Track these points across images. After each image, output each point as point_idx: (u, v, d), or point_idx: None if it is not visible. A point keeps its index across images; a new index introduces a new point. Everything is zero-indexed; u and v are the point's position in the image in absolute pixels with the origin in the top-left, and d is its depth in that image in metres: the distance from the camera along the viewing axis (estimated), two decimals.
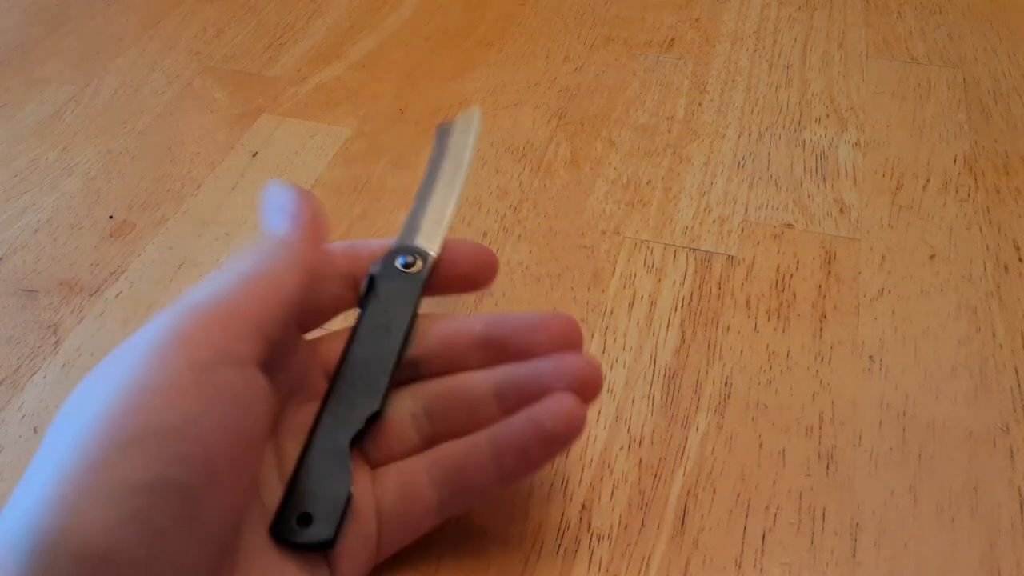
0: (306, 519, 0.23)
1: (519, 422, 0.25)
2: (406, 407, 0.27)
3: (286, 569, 0.23)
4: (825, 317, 0.35)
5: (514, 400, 0.26)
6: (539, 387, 0.25)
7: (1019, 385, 0.32)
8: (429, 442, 0.27)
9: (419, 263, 0.28)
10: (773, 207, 0.40)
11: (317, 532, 0.23)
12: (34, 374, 0.34)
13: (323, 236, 0.26)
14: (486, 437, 0.25)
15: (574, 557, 0.28)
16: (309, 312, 0.27)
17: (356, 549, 0.25)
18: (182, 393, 0.18)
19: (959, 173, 0.42)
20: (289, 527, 0.23)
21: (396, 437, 0.26)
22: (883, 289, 0.36)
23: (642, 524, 0.28)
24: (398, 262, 0.28)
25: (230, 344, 0.19)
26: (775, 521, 0.28)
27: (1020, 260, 0.37)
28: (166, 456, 0.18)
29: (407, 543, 0.26)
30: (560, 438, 0.24)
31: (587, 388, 0.25)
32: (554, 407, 0.25)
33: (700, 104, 0.47)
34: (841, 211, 0.40)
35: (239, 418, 0.19)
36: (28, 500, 0.18)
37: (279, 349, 0.23)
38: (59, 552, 0.17)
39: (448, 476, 0.25)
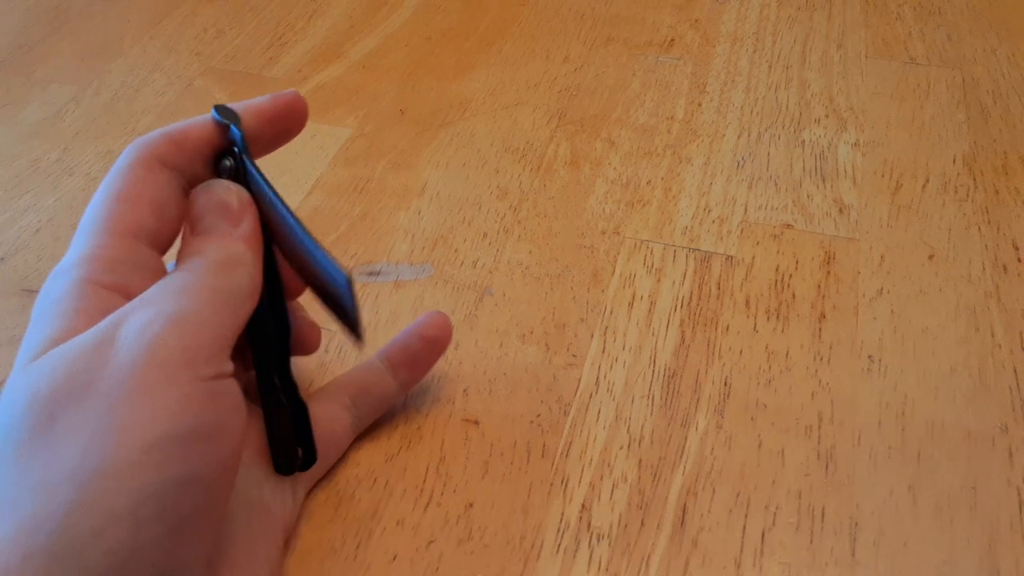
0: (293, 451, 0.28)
1: (403, 337, 0.31)
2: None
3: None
4: (824, 317, 0.35)
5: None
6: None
7: (1018, 385, 0.33)
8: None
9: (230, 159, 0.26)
10: (772, 207, 0.40)
11: (308, 459, 0.28)
12: None
13: (259, 241, 0.25)
14: (378, 357, 0.31)
15: (574, 557, 0.28)
16: (162, 235, 0.26)
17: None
18: (194, 403, 0.21)
19: (958, 173, 0.42)
20: (290, 464, 0.28)
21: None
22: (882, 289, 0.36)
23: (642, 523, 0.29)
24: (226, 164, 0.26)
25: (218, 359, 0.22)
26: (774, 520, 0.29)
27: (1019, 260, 0.37)
28: (189, 456, 0.20)
29: (333, 463, 0.30)
30: (440, 342, 0.31)
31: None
32: (430, 319, 0.31)
33: (700, 104, 0.47)
34: (840, 211, 0.40)
35: (236, 418, 0.22)
36: (49, 503, 0.19)
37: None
38: (88, 552, 0.19)
39: (357, 397, 0.30)
